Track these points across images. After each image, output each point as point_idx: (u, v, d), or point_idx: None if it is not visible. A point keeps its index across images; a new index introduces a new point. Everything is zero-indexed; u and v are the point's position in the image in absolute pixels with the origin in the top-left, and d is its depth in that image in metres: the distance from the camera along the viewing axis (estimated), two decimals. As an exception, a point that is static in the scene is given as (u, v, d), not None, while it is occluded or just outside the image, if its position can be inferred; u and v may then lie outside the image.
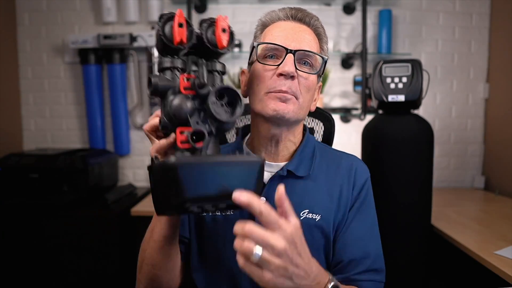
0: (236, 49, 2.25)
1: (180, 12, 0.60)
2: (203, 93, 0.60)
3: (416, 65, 1.49)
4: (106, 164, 2.13)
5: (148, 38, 2.22)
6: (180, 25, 0.60)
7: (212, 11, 2.34)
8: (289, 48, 0.77)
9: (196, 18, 2.32)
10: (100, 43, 2.20)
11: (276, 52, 0.79)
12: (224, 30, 0.62)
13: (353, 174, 0.86)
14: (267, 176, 0.84)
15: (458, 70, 2.40)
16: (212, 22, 0.64)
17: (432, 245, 1.57)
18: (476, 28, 2.38)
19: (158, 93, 0.61)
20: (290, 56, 0.77)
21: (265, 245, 0.54)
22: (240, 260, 0.54)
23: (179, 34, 0.60)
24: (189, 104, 0.60)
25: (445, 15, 2.37)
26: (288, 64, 0.76)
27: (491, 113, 2.39)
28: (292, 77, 0.77)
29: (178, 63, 0.63)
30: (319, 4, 2.33)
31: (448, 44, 2.39)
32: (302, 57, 0.79)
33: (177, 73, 0.63)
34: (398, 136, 1.45)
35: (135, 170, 2.45)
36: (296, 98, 0.78)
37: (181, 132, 0.59)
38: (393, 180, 1.45)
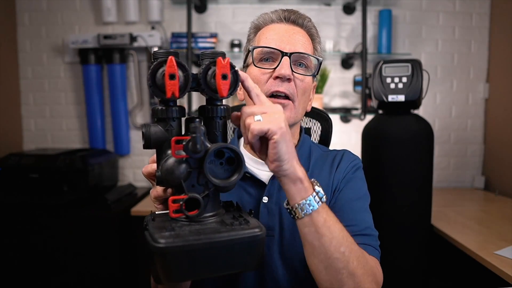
0: (236, 49, 2.25)
1: (171, 61, 0.52)
2: (197, 157, 0.54)
3: (416, 65, 1.49)
4: (106, 164, 2.14)
5: (148, 38, 2.22)
6: (172, 77, 0.52)
7: (212, 11, 2.34)
8: (284, 51, 0.78)
9: (196, 18, 2.32)
10: (100, 43, 2.20)
11: (272, 55, 0.80)
12: (224, 77, 0.55)
13: (343, 161, 0.87)
14: (267, 175, 0.85)
15: (458, 70, 2.40)
16: (212, 62, 0.56)
17: (432, 245, 1.57)
18: (476, 28, 2.38)
19: (151, 146, 0.56)
20: (286, 59, 0.78)
21: (264, 110, 0.60)
22: (248, 135, 0.58)
23: (171, 88, 0.53)
24: (182, 168, 0.54)
25: (445, 15, 2.37)
26: (285, 67, 0.77)
27: (491, 113, 2.39)
28: (289, 80, 0.78)
29: (173, 113, 0.57)
30: (319, 4, 2.33)
31: (448, 44, 2.39)
32: (297, 59, 0.80)
33: (172, 123, 0.57)
34: (398, 136, 1.45)
35: (135, 170, 2.45)
36: (293, 101, 0.80)
37: (174, 201, 0.54)
38: (393, 180, 1.45)
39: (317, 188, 0.65)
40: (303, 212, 0.63)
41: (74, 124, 2.44)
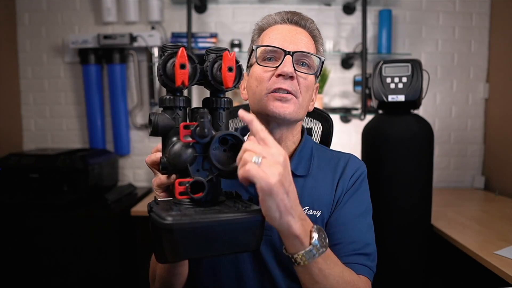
0: (236, 49, 2.25)
1: (182, 52, 0.56)
2: (204, 142, 0.57)
3: (416, 65, 1.49)
4: (106, 164, 2.13)
5: (148, 38, 2.23)
6: (182, 67, 0.56)
7: (212, 11, 2.34)
8: (287, 50, 0.79)
9: (196, 18, 2.32)
10: (100, 43, 2.20)
11: (275, 54, 0.81)
12: (230, 69, 0.59)
13: (348, 168, 0.87)
14: None
15: (458, 70, 2.40)
16: (219, 56, 0.61)
17: (432, 245, 1.57)
18: (476, 28, 2.38)
19: (159, 133, 0.59)
20: (288, 58, 0.78)
21: (266, 154, 0.54)
22: (240, 171, 0.54)
23: (181, 77, 0.56)
24: (188, 152, 0.57)
25: (445, 15, 2.37)
26: (287, 65, 0.78)
27: (491, 113, 2.39)
28: (291, 77, 0.79)
29: (180, 102, 0.60)
30: (319, 4, 2.33)
31: (448, 44, 2.39)
32: (300, 58, 0.81)
33: (179, 112, 0.60)
34: (398, 136, 1.45)
35: (135, 170, 2.45)
36: (296, 97, 0.80)
37: (180, 183, 0.57)
38: (393, 180, 1.45)
39: (315, 241, 0.61)
40: (297, 262, 0.62)
41: (74, 124, 2.44)
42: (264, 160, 0.54)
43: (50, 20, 2.37)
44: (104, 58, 2.30)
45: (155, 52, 2.27)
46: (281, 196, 0.55)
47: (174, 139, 0.59)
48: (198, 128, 0.55)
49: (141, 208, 1.92)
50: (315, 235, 0.62)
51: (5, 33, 2.31)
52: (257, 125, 0.57)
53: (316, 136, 1.10)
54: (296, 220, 0.58)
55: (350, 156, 0.91)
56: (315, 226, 0.63)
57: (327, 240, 0.64)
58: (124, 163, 2.44)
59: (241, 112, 0.58)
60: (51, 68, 2.40)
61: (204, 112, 0.55)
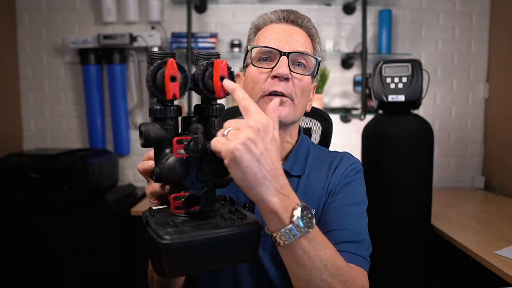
0: (236, 49, 2.25)
1: (172, 64, 0.54)
2: (198, 156, 0.55)
3: (416, 65, 1.49)
4: (106, 164, 2.14)
5: (148, 38, 2.22)
6: (173, 79, 0.54)
7: (212, 11, 2.34)
8: (282, 50, 0.78)
9: (196, 18, 2.32)
10: (100, 43, 2.20)
11: (270, 55, 0.81)
12: (222, 79, 0.57)
13: (342, 164, 0.86)
14: None
15: (458, 70, 2.40)
16: (209, 63, 0.58)
17: (432, 245, 1.57)
18: (476, 28, 2.38)
19: (151, 144, 0.58)
20: (284, 59, 0.78)
21: (239, 125, 0.52)
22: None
23: (172, 90, 0.54)
24: (182, 167, 0.56)
25: (445, 15, 2.37)
26: (282, 66, 0.77)
27: (491, 113, 2.39)
28: (287, 79, 0.78)
29: (171, 112, 0.59)
30: (319, 4, 2.33)
31: (448, 44, 2.39)
32: (295, 59, 0.80)
33: (170, 122, 0.59)
34: (398, 136, 1.45)
35: (135, 170, 2.45)
36: (292, 99, 0.80)
37: (175, 198, 0.56)
38: (393, 180, 1.45)
39: (297, 219, 0.55)
40: (277, 243, 0.57)
41: (74, 124, 2.44)
42: (232, 130, 0.52)
43: (50, 20, 2.37)
44: (104, 58, 2.30)
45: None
46: (247, 163, 0.50)
47: (167, 151, 0.58)
48: (191, 143, 0.54)
49: (141, 208, 1.92)
50: (297, 213, 0.55)
51: (5, 33, 2.31)
52: (239, 93, 0.55)
53: (316, 136, 1.10)
54: (273, 194, 0.53)
55: (344, 153, 0.90)
56: (300, 203, 0.57)
57: (314, 221, 0.58)
58: (124, 163, 2.44)
59: (225, 82, 0.56)
60: (51, 68, 2.40)
61: (197, 128, 0.53)
